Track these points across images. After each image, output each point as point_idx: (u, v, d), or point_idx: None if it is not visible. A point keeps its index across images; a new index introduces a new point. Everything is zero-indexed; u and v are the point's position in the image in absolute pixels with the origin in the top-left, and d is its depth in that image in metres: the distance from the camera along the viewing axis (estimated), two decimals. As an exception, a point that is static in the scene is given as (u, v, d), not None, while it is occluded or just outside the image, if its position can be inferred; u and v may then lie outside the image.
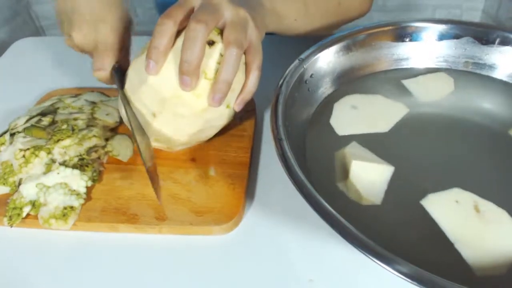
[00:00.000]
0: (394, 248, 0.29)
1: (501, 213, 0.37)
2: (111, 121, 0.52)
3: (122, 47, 0.48)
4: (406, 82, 0.52)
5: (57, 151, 0.46)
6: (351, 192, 0.40)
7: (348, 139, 0.45)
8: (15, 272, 0.39)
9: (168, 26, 0.39)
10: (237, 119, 0.50)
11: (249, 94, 0.44)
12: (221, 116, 0.44)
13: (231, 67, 0.40)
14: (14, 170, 0.45)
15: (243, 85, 0.43)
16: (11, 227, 0.41)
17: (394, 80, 0.53)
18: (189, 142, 0.46)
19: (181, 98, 0.41)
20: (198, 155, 0.48)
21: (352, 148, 0.44)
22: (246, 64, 0.43)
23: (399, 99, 0.50)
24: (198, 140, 0.47)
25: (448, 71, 0.54)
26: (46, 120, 0.50)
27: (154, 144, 0.47)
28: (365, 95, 0.50)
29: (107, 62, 0.47)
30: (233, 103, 0.44)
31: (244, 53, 0.42)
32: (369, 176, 0.40)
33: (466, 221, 0.37)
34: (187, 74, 0.39)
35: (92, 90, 0.58)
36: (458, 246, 0.35)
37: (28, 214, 0.42)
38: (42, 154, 0.45)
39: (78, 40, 0.47)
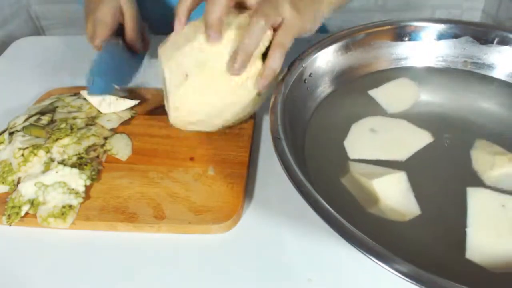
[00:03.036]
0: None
1: None
2: (109, 127, 0.51)
3: (116, 24, 0.55)
4: (372, 92, 0.51)
5: (56, 150, 0.46)
6: (389, 214, 0.38)
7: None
8: (13, 271, 0.39)
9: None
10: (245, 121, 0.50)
11: (269, 70, 0.42)
12: (250, 102, 0.44)
13: (252, 35, 0.40)
14: (13, 169, 0.45)
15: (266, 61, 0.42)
16: (10, 225, 0.41)
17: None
18: (202, 122, 0.45)
19: (220, 68, 0.41)
20: (197, 154, 0.48)
21: (357, 169, 0.41)
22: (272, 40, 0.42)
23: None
24: (212, 124, 0.46)
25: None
26: (45, 119, 0.50)
27: (171, 114, 0.45)
28: (388, 118, 0.48)
29: (99, 35, 0.53)
30: (264, 90, 0.43)
31: (275, 30, 0.42)
32: (394, 189, 0.39)
33: (497, 221, 0.36)
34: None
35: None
36: (469, 230, 0.35)
37: (26, 213, 0.42)
38: (41, 153, 0.45)
39: (88, 29, 0.55)
